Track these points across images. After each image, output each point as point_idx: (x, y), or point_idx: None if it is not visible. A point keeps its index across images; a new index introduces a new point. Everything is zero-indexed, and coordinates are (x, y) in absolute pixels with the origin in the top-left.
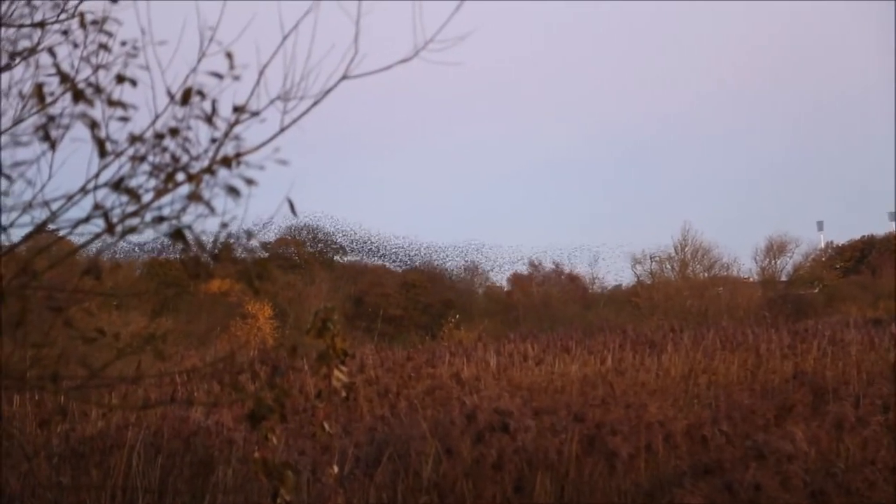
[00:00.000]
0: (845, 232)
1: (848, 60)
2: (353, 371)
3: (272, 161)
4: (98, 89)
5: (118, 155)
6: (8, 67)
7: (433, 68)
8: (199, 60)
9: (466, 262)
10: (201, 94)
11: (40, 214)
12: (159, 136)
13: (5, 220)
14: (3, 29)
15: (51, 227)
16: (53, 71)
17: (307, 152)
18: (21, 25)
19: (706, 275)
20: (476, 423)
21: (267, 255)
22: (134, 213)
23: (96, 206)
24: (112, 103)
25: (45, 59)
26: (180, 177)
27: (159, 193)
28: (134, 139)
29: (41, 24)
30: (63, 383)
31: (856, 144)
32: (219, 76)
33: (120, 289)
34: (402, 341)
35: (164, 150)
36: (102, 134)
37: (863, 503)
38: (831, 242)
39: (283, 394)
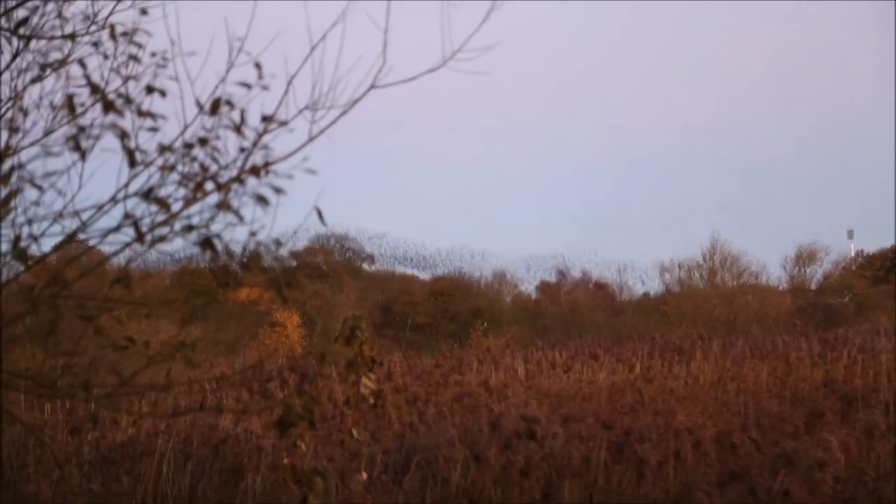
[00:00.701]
0: (876, 240)
1: (879, 67)
2: (381, 378)
3: (301, 170)
4: (128, 100)
5: (148, 165)
6: (39, 79)
7: (461, 76)
8: (228, 71)
9: (495, 269)
10: (230, 103)
11: (71, 224)
12: (188, 146)
13: (36, 229)
14: (35, 41)
15: (81, 236)
16: (84, 82)
17: (336, 161)
18: (52, 37)
19: (735, 283)
20: (503, 430)
21: (295, 263)
22: (163, 223)
23: (126, 216)
24: (142, 114)
25: (75, 70)
26: (209, 186)
27: (188, 203)
28: (163, 149)
29: (72, 36)
30: (94, 391)
31: (888, 152)
32: (247, 86)
33: (150, 297)
34: (430, 349)
35: (194, 159)
36: (132, 144)
37: None
38: (861, 251)
39: (312, 401)
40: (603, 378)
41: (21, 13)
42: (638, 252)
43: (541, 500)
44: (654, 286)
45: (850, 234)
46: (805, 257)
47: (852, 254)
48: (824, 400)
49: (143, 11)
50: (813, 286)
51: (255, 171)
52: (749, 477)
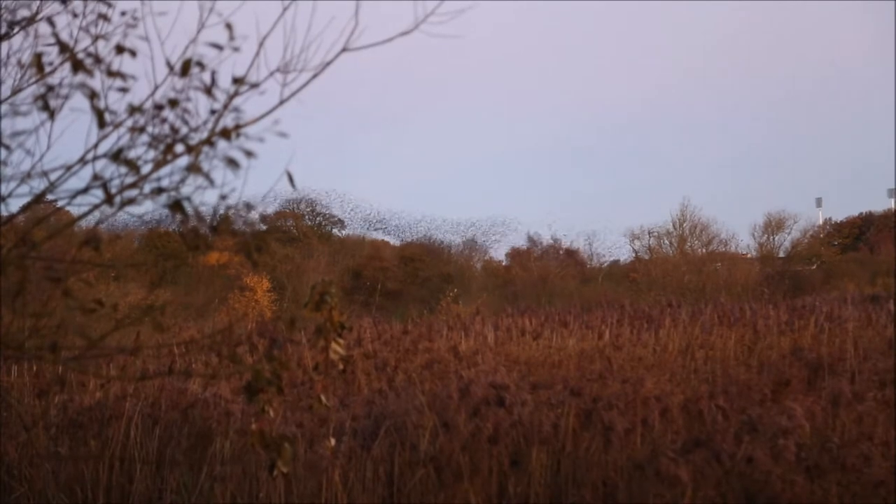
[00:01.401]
0: (844, 208)
1: (847, 34)
2: (350, 344)
3: (272, 133)
4: (97, 59)
5: (117, 126)
6: (7, 36)
7: (434, 43)
8: (199, 31)
9: (466, 236)
10: (201, 65)
11: (39, 185)
12: (158, 107)
13: (4, 189)
14: None
15: (49, 197)
16: (53, 40)
17: (308, 125)
18: None
19: (704, 251)
20: (472, 397)
21: (266, 227)
22: (133, 185)
23: (95, 177)
24: (111, 74)
25: (44, 28)
26: (179, 148)
27: (158, 165)
28: (133, 110)
29: None
30: (61, 354)
31: (855, 120)
32: (219, 47)
33: (119, 260)
34: (400, 315)
35: (164, 121)
36: (102, 104)
37: (858, 478)
38: (830, 219)
39: (281, 366)
40: (572, 345)
41: None
42: (608, 219)
43: (509, 466)
44: (624, 253)
45: (819, 203)
46: (774, 225)
47: (820, 222)
48: (791, 368)
49: None
50: (781, 254)
51: (225, 133)
52: (714, 443)
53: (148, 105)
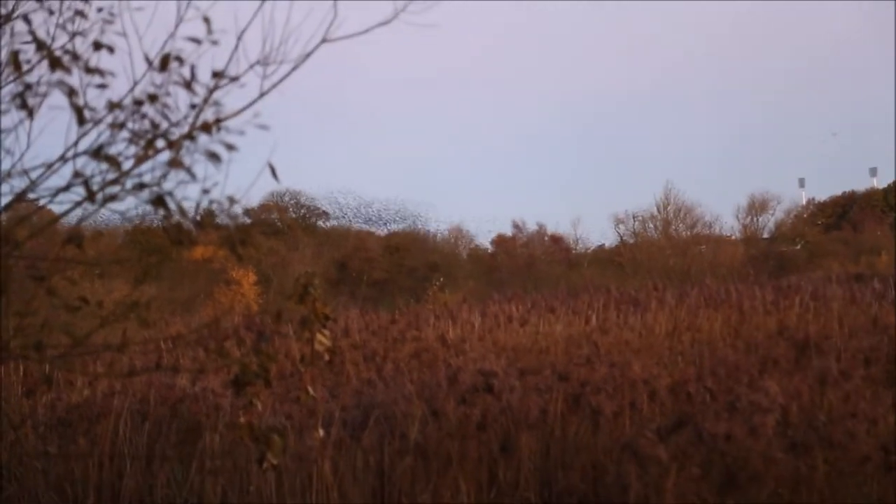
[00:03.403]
0: (826, 188)
1: (828, 15)
2: (338, 335)
3: (253, 126)
4: (75, 56)
5: (97, 122)
6: None
7: (409, 38)
8: (177, 26)
9: (450, 224)
10: (179, 59)
11: (20, 183)
12: (138, 103)
13: None
14: None
15: (31, 196)
16: (29, 38)
17: (289, 117)
18: None
19: (689, 233)
20: (461, 385)
21: (250, 221)
22: (114, 181)
23: (76, 175)
24: (90, 70)
25: (20, 26)
26: (160, 143)
27: (139, 160)
28: (112, 106)
29: None
30: (47, 352)
31: (836, 100)
32: (197, 41)
33: (102, 257)
34: (387, 305)
35: (144, 116)
36: (80, 101)
37: (844, 454)
38: (813, 199)
39: (268, 359)
40: (559, 331)
41: None
42: (592, 205)
43: (498, 452)
44: (609, 238)
45: (801, 183)
46: (757, 207)
47: (803, 202)
48: (778, 348)
49: None
50: (765, 235)
51: (206, 127)
52: (696, 423)
53: (127, 101)
